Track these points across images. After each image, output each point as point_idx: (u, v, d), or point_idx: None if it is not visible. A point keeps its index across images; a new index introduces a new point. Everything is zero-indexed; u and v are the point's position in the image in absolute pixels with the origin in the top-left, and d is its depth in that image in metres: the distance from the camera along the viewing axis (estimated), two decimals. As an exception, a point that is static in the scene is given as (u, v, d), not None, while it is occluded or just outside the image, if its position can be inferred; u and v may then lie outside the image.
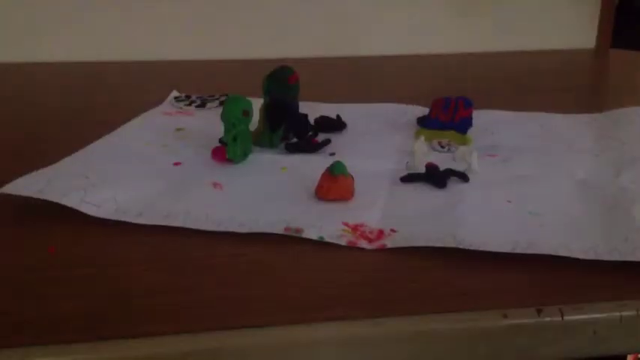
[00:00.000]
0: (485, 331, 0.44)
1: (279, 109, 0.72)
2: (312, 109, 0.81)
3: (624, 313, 0.45)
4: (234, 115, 0.66)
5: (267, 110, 0.72)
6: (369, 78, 1.13)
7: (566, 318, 0.44)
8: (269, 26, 1.26)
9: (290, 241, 0.53)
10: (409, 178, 0.65)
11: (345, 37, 1.27)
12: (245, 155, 0.69)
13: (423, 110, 0.83)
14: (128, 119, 0.82)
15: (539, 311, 0.44)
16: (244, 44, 1.26)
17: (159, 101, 0.91)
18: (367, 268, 0.50)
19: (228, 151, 0.67)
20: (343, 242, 0.53)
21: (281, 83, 0.73)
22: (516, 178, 0.65)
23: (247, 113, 0.67)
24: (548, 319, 0.44)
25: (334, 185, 0.59)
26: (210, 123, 0.81)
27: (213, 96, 0.92)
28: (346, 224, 0.55)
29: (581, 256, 0.49)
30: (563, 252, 0.49)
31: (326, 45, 1.26)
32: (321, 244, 0.53)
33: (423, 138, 0.71)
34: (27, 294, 0.46)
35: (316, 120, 0.79)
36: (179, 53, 1.24)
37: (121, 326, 0.42)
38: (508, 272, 0.49)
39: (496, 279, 0.48)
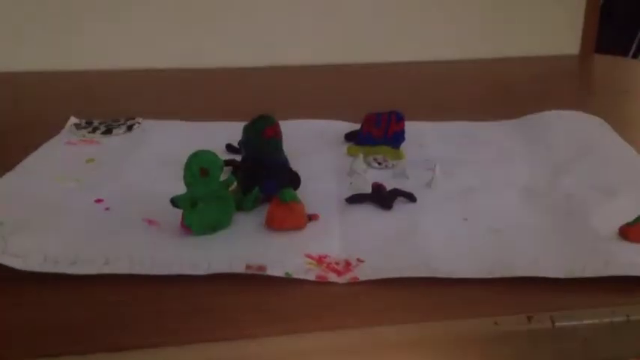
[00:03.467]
0: (476, 339, 0.44)
1: (251, 168, 0.61)
2: (229, 129, 0.76)
3: (614, 319, 0.45)
4: (189, 174, 0.54)
5: (241, 168, 0.62)
6: (339, 87, 1.08)
7: (556, 325, 0.44)
8: (186, 34, 1.17)
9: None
10: (355, 199, 0.62)
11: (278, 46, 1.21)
12: (212, 229, 0.55)
13: (349, 126, 0.80)
14: (22, 144, 0.73)
15: (529, 318, 0.44)
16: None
17: (53, 122, 0.82)
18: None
19: (184, 217, 0.55)
20: (312, 277, 0.49)
21: (256, 136, 0.61)
22: (461, 192, 0.64)
23: (205, 172, 0.54)
24: (539, 326, 0.44)
25: (289, 214, 0.55)
26: (121, 152, 0.74)
27: (118, 121, 0.84)
28: (309, 256, 0.51)
29: (558, 276, 0.48)
30: (540, 273, 0.49)
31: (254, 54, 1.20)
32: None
33: (361, 156, 0.68)
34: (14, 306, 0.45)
35: (239, 143, 0.74)
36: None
37: (105, 338, 0.42)
38: (499, 280, 0.48)
39: (487, 286, 0.48)
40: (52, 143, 0.76)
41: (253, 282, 0.48)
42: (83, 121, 0.84)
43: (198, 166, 0.54)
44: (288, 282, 0.48)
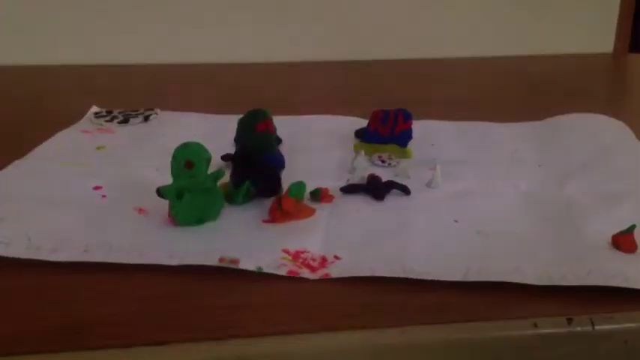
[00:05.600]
0: (515, 341, 0.43)
1: (243, 162, 0.61)
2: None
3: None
4: (175, 166, 0.55)
5: (232, 162, 0.63)
6: (358, 83, 1.08)
7: (596, 327, 0.43)
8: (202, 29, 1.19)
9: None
10: (349, 189, 0.62)
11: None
12: (198, 221, 0.55)
13: (361, 122, 0.79)
14: (44, 136, 0.75)
15: (569, 320, 0.44)
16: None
17: (77, 115, 0.84)
18: (393, 277, 0.48)
19: (170, 208, 0.55)
20: (283, 272, 0.48)
21: (249, 130, 0.60)
22: (460, 194, 0.62)
23: (190, 164, 0.54)
24: (578, 328, 0.43)
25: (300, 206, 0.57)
26: (133, 141, 0.75)
27: (136, 111, 0.85)
28: (286, 251, 0.51)
29: (534, 283, 0.47)
30: (515, 278, 0.47)
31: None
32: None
33: (363, 152, 0.67)
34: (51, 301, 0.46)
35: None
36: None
37: (143, 333, 0.42)
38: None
39: (526, 288, 0.47)
40: (68, 131, 0.78)
41: (285, 279, 0.48)
42: (103, 110, 0.86)
43: (184, 158, 0.54)
44: (320, 279, 0.48)
